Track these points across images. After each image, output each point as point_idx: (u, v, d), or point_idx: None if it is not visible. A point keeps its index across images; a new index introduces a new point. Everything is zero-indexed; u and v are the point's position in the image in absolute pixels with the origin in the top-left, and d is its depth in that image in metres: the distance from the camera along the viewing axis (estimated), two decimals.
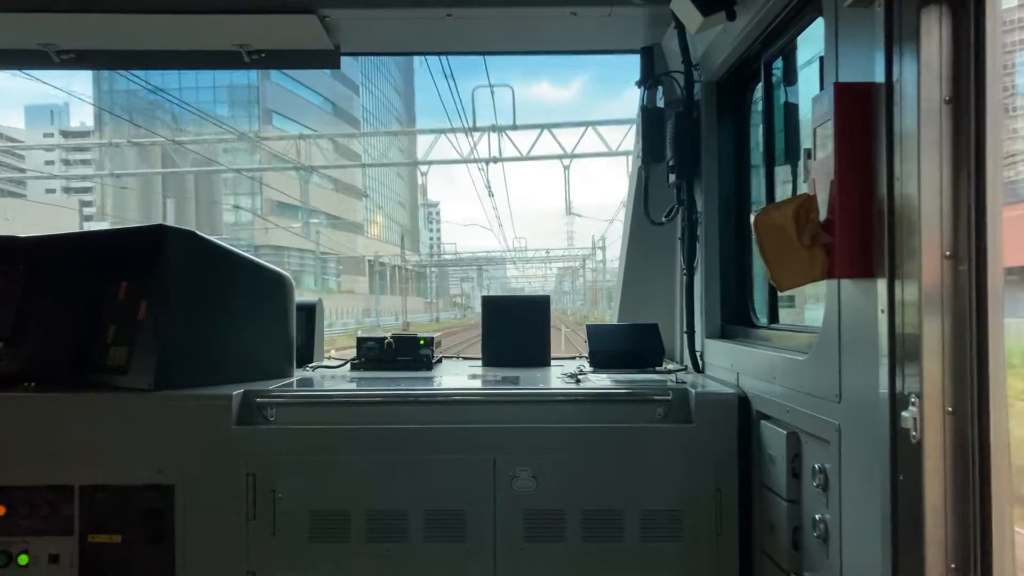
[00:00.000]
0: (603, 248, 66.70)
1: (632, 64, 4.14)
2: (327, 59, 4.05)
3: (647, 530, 2.98)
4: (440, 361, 4.37)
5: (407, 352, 4.06)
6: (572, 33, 3.92)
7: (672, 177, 3.83)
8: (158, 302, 3.17)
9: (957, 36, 1.74)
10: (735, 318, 3.60)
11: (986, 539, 1.71)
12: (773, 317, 3.37)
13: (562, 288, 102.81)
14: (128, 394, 3.07)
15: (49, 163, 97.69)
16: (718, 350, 3.49)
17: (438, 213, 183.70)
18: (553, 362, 4.20)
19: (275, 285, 3.61)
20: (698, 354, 3.73)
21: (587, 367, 3.89)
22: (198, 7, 3.53)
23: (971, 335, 1.73)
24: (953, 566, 1.75)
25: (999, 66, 1.69)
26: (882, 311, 1.89)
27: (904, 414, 1.79)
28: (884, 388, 1.88)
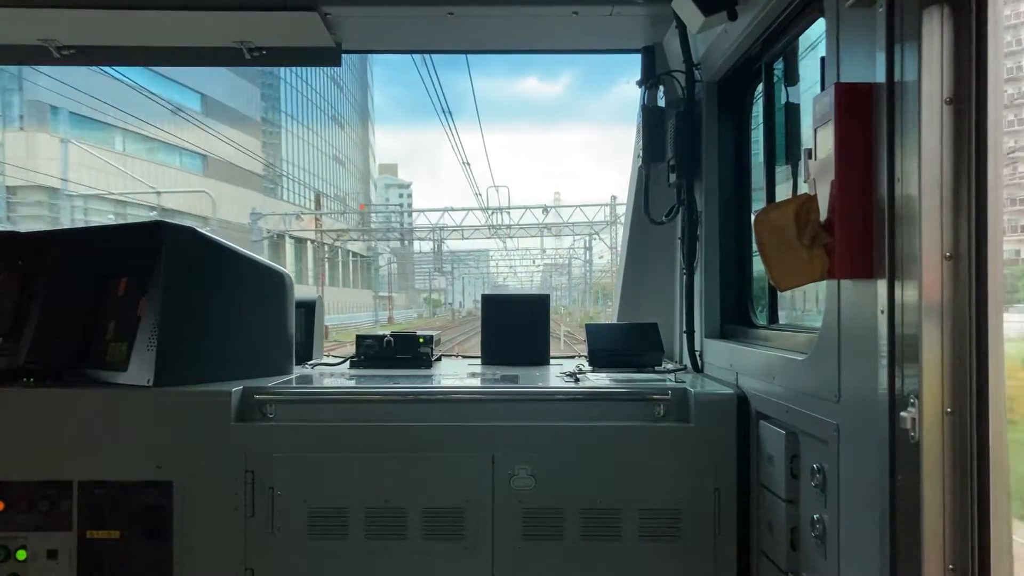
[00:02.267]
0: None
1: (622, 62, 4.11)
2: (328, 56, 4.05)
3: (645, 529, 2.98)
4: (440, 359, 4.37)
5: (406, 350, 4.07)
6: (573, 32, 3.91)
7: (672, 177, 3.83)
8: (157, 298, 3.17)
9: (958, 36, 1.74)
10: (735, 318, 3.60)
11: (984, 539, 1.71)
12: (773, 317, 3.37)
13: (551, 284, 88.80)
14: (127, 390, 3.07)
15: None
16: (717, 350, 3.49)
17: (410, 195, 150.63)
18: (552, 361, 4.20)
19: (274, 282, 3.61)
20: (697, 354, 3.73)
21: (586, 366, 3.89)
22: (200, 3, 3.53)
23: (971, 336, 1.73)
24: (951, 566, 1.75)
25: (1000, 66, 1.69)
26: (882, 311, 1.89)
27: (903, 414, 1.79)
28: (883, 388, 1.88)
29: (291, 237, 55.55)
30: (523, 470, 2.99)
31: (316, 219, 53.55)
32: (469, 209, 46.28)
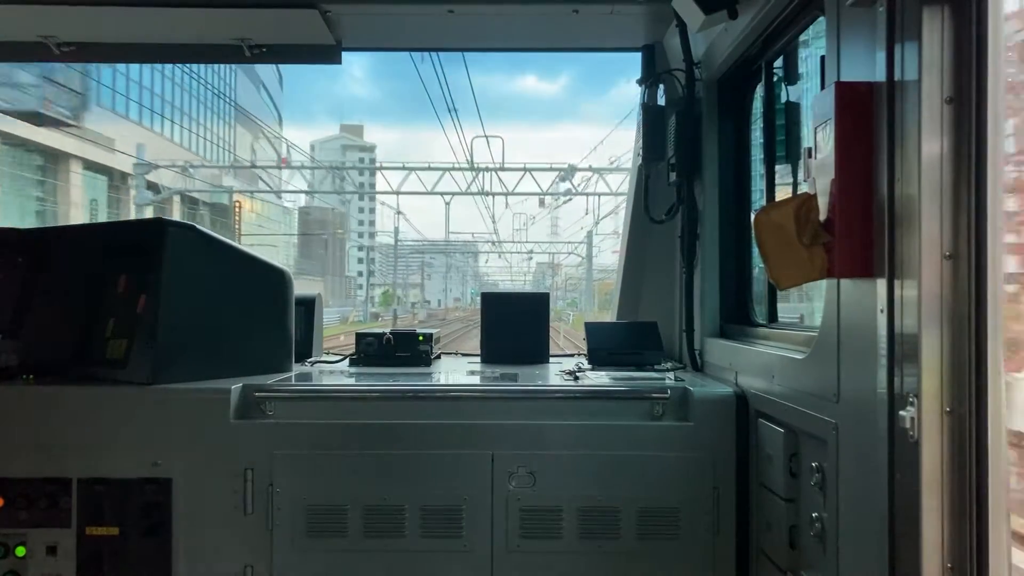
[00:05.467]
0: None
1: (622, 62, 4.09)
2: (328, 54, 4.06)
3: (644, 528, 2.98)
4: (439, 357, 4.37)
5: (406, 348, 4.07)
6: (573, 31, 3.91)
7: (672, 175, 3.83)
8: (157, 295, 3.17)
9: (959, 35, 1.74)
10: (734, 317, 3.60)
11: (982, 539, 1.71)
12: (772, 316, 3.37)
13: (543, 285, 79.74)
14: (127, 387, 3.07)
15: None
16: (717, 349, 3.49)
17: (372, 161, 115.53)
18: (552, 359, 4.20)
19: (274, 279, 3.61)
20: (697, 352, 3.73)
21: (586, 364, 3.89)
22: (200, 0, 3.53)
23: (970, 335, 1.73)
24: (950, 566, 1.75)
25: (1000, 66, 1.69)
26: (881, 311, 1.89)
27: (902, 414, 1.79)
28: (882, 388, 1.89)
29: None
30: (522, 468, 2.99)
31: None
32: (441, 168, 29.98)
